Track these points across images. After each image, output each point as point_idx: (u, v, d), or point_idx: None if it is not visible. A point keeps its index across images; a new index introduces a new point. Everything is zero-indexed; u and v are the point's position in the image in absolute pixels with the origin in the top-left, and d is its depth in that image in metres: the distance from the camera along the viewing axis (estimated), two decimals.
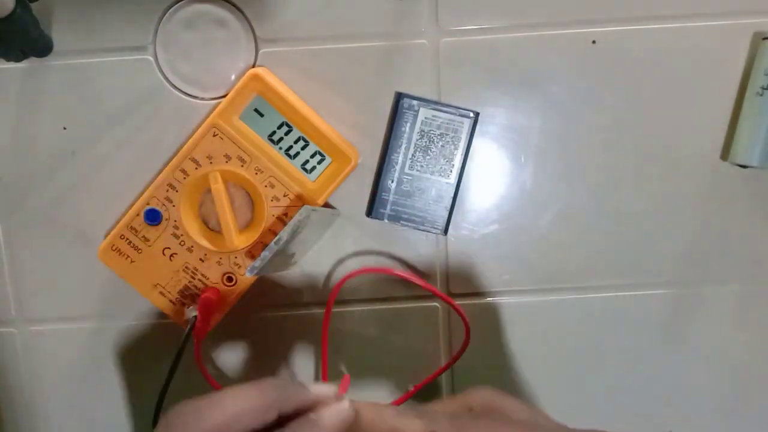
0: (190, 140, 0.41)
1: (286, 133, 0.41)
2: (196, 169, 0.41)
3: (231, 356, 0.46)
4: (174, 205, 0.42)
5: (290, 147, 0.41)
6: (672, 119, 0.43)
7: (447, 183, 0.43)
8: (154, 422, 0.42)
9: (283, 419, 0.31)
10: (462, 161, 0.42)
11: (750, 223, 0.44)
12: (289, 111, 0.41)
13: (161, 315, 0.44)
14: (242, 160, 0.41)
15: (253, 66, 0.42)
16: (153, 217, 0.42)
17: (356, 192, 0.43)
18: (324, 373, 0.44)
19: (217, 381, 0.42)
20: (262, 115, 0.41)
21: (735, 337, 0.45)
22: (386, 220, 0.43)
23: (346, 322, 0.45)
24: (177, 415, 0.30)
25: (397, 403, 0.45)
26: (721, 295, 0.45)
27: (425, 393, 0.46)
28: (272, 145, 0.41)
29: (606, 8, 0.41)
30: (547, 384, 0.46)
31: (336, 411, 0.31)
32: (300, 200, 0.42)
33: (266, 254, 0.37)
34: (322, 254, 0.44)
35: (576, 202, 0.44)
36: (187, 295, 0.43)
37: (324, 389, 0.32)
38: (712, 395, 0.46)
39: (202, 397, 0.31)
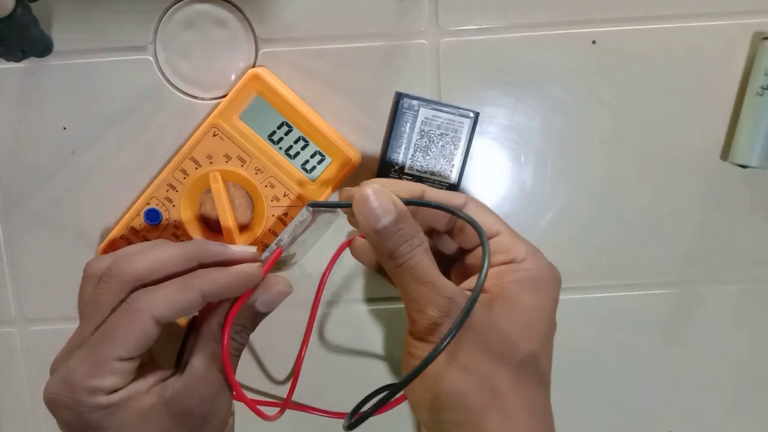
0: (190, 140, 0.41)
1: (286, 133, 0.41)
2: (196, 169, 0.42)
3: None
4: (174, 205, 0.42)
5: (290, 147, 0.41)
6: (672, 119, 0.43)
7: (447, 183, 0.43)
8: None
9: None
10: (462, 161, 0.42)
11: (750, 223, 0.44)
12: (289, 111, 0.41)
13: None
14: (242, 160, 0.41)
15: (253, 66, 0.42)
16: (153, 217, 0.42)
17: None
18: (305, 341, 0.44)
19: None
20: (262, 115, 0.41)
21: (735, 337, 0.45)
22: None
23: (346, 322, 0.45)
24: (113, 262, 0.34)
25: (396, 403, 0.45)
26: (721, 295, 0.45)
27: None
28: (272, 145, 0.41)
29: (606, 8, 0.41)
30: None
31: (245, 267, 0.35)
32: (300, 200, 0.42)
33: (267, 256, 0.37)
34: (323, 254, 0.44)
35: (576, 202, 0.44)
36: None
37: (242, 249, 0.37)
38: (712, 395, 0.46)
39: (136, 245, 0.37)
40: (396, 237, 0.33)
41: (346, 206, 0.35)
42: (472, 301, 0.31)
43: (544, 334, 0.34)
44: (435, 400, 0.32)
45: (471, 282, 0.35)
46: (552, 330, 0.35)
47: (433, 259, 0.34)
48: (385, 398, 0.32)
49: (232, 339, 0.36)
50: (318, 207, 0.36)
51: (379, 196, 0.34)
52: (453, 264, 0.39)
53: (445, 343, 0.31)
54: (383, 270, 0.37)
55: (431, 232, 0.38)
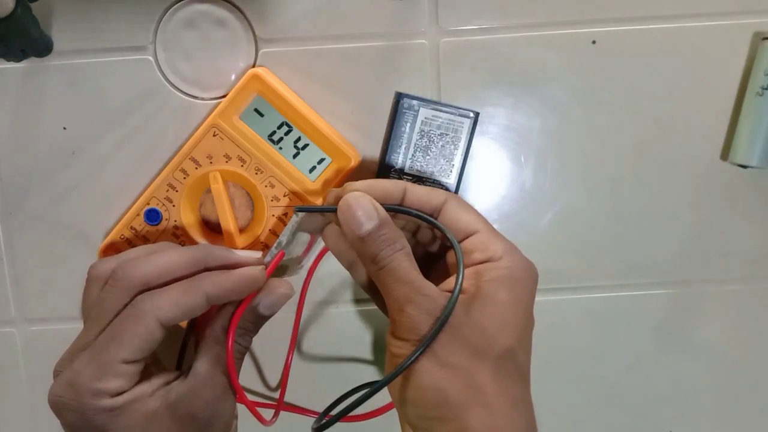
0: (190, 140, 0.41)
1: (286, 133, 0.41)
2: (196, 169, 0.42)
3: None
4: (174, 205, 0.42)
5: (290, 147, 0.41)
6: (672, 119, 0.43)
7: (447, 183, 0.43)
8: None
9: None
10: (462, 161, 0.42)
11: (750, 223, 0.44)
12: (289, 111, 0.41)
13: None
14: (242, 160, 0.41)
15: (253, 66, 0.42)
16: (153, 217, 0.42)
17: None
18: (293, 341, 0.44)
19: None
20: (262, 115, 0.41)
21: (735, 337, 0.45)
22: None
23: (345, 322, 0.45)
24: (119, 266, 0.34)
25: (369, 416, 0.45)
26: (721, 295, 0.45)
27: None
28: (272, 145, 0.41)
29: (606, 8, 0.41)
30: (546, 384, 0.46)
31: (249, 269, 0.36)
32: (300, 200, 0.42)
33: (269, 259, 0.37)
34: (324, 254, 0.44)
35: (576, 202, 0.44)
36: None
37: (247, 254, 0.37)
38: (712, 395, 0.46)
39: (141, 248, 0.38)
40: (378, 242, 0.34)
41: (331, 211, 0.36)
42: (449, 310, 0.32)
43: (521, 329, 0.34)
44: (417, 398, 0.33)
45: (450, 282, 0.35)
46: (529, 325, 0.36)
47: (415, 262, 0.35)
48: (355, 402, 0.33)
49: (236, 342, 0.36)
50: (305, 212, 0.37)
51: (362, 203, 0.35)
52: (437, 262, 0.39)
53: (421, 349, 0.32)
54: (371, 289, 0.38)
55: (416, 229, 0.39)
